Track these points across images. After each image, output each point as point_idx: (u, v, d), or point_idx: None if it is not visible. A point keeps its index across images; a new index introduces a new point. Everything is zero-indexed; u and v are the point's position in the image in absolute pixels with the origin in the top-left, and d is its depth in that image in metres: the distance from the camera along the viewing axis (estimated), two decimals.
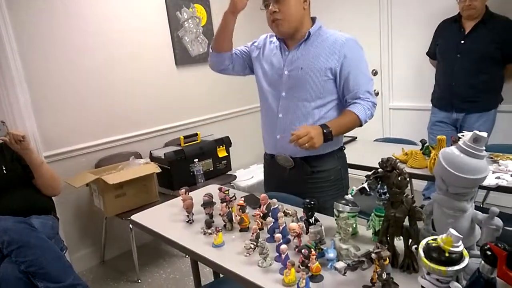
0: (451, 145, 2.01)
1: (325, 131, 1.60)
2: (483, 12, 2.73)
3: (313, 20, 1.79)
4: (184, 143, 3.21)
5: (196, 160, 3.11)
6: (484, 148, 1.03)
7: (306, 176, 1.80)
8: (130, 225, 2.65)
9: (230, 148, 3.43)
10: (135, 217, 1.83)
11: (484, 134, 1.02)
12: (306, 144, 1.53)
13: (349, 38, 1.72)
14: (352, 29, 3.74)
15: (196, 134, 3.35)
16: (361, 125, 1.71)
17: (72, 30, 2.82)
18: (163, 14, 3.34)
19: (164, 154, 3.01)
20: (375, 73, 3.86)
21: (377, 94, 3.90)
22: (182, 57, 3.48)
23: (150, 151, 3.19)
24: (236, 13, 1.75)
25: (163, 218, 1.77)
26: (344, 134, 1.87)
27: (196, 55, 3.58)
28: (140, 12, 3.18)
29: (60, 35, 2.76)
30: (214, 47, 1.89)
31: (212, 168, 3.29)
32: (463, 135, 1.11)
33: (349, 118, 1.68)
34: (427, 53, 3.22)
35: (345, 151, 1.92)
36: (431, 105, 3.15)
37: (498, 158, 2.12)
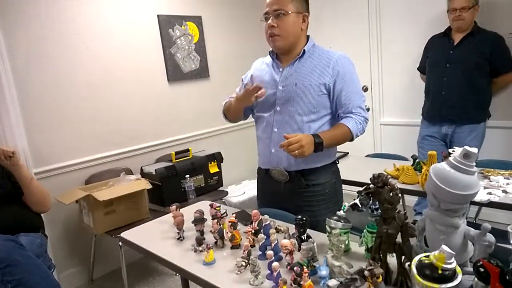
0: (442, 160, 2.02)
1: (316, 140, 1.61)
2: (471, 25, 2.80)
3: (307, 38, 1.83)
4: (176, 159, 3.19)
5: (187, 176, 3.09)
6: (474, 164, 1.04)
7: (301, 190, 1.80)
8: (120, 243, 2.60)
9: (221, 163, 3.41)
10: (125, 234, 1.80)
11: (474, 150, 1.03)
12: (296, 152, 1.54)
13: (342, 55, 1.77)
14: (342, 46, 3.80)
15: (188, 150, 3.33)
16: (352, 139, 1.74)
17: (66, 47, 2.81)
18: (155, 31, 3.36)
19: (155, 170, 2.99)
20: (365, 89, 3.90)
21: (368, 110, 3.93)
22: (174, 73, 3.49)
23: (141, 167, 3.17)
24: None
25: (153, 235, 1.74)
26: (337, 149, 1.89)
27: (188, 71, 3.60)
28: (133, 29, 3.20)
29: (53, 52, 2.75)
30: (230, 120, 2.03)
31: (204, 184, 3.27)
32: (453, 151, 1.11)
33: (341, 131, 1.71)
34: (418, 68, 3.27)
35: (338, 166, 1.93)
36: (421, 119, 3.18)
37: (489, 174, 2.13)
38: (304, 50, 1.78)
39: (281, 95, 1.78)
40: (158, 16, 3.34)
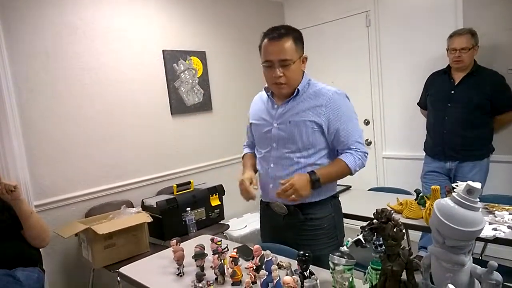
0: (445, 195, 2.01)
1: (312, 177, 1.65)
2: (471, 65, 2.83)
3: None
4: (177, 192, 3.17)
5: (188, 208, 3.06)
6: (478, 200, 1.03)
7: (299, 224, 1.80)
8: (118, 278, 2.55)
9: (223, 196, 3.39)
10: (124, 269, 1.78)
11: (478, 185, 1.02)
12: (293, 196, 1.60)
13: (335, 91, 1.76)
14: (344, 80, 3.87)
15: (189, 182, 3.32)
16: (351, 174, 1.75)
17: (71, 81, 2.85)
18: (160, 66, 3.42)
19: (156, 202, 2.96)
20: (367, 122, 3.92)
21: (370, 143, 3.94)
22: (178, 107, 3.53)
23: (142, 200, 3.15)
24: None
25: (153, 270, 1.71)
26: (337, 182, 1.88)
27: (191, 104, 3.64)
28: (138, 64, 3.25)
29: (58, 85, 2.79)
30: None
31: (205, 217, 3.24)
32: (457, 185, 1.10)
33: (338, 166, 1.73)
34: (418, 104, 3.30)
35: (339, 199, 1.92)
36: (423, 154, 3.17)
37: (494, 209, 2.10)
38: (298, 89, 1.77)
39: (276, 133, 1.81)
40: (163, 51, 3.41)
